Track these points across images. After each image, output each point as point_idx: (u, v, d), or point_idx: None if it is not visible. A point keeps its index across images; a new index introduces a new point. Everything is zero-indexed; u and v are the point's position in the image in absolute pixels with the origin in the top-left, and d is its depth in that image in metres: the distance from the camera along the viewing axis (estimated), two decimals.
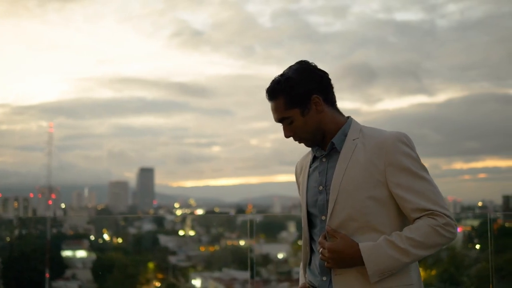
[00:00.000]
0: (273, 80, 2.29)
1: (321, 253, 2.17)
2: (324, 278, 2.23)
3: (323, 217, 2.24)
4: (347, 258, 2.11)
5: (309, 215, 2.35)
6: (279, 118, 2.28)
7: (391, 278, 2.12)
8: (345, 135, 2.26)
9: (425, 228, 2.08)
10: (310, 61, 2.31)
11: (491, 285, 5.92)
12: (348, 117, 2.33)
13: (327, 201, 2.22)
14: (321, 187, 2.27)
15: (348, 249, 2.10)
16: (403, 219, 2.20)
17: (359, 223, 2.15)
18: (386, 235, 2.12)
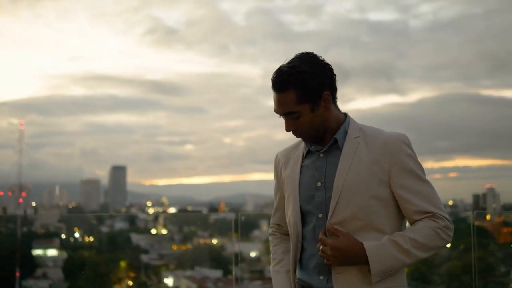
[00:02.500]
0: (281, 71, 2.17)
1: (322, 250, 2.11)
2: (322, 277, 2.19)
3: (320, 215, 2.20)
4: (350, 256, 2.08)
5: (300, 211, 2.28)
6: (286, 112, 2.18)
7: (390, 278, 2.13)
8: (346, 133, 2.22)
9: (427, 230, 2.10)
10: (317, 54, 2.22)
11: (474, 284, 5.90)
12: (345, 113, 2.29)
13: (327, 198, 2.18)
14: (319, 184, 2.21)
15: (352, 247, 2.08)
16: (402, 220, 2.21)
17: (362, 222, 2.13)
18: (388, 234, 2.12)
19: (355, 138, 2.20)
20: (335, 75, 2.21)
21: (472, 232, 6.00)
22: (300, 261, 2.29)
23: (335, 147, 2.22)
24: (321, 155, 2.23)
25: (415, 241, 2.08)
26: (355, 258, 2.07)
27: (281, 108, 2.18)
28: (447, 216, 2.14)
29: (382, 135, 2.20)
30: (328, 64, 2.20)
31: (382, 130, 2.24)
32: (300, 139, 2.32)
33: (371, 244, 2.08)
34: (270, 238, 2.51)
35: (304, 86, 2.13)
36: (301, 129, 2.19)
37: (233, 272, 7.39)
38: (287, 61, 2.19)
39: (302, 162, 2.30)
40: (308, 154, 2.30)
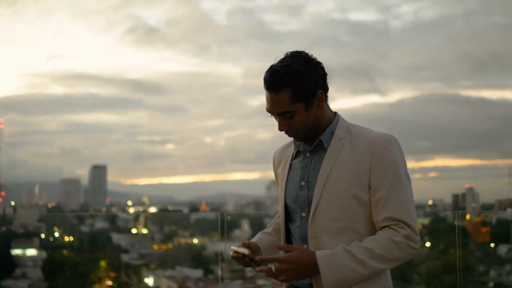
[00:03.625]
0: (275, 70, 2.13)
1: (275, 270, 2.01)
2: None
3: (304, 214, 2.19)
4: (304, 267, 2.01)
5: (287, 209, 2.28)
6: (281, 111, 2.13)
7: (372, 279, 2.08)
8: (332, 133, 2.20)
9: (386, 241, 2.03)
10: (308, 53, 2.19)
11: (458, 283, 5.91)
12: (335, 112, 2.27)
13: (309, 198, 2.16)
14: (303, 183, 2.20)
15: (306, 256, 2.02)
16: None
17: (342, 224, 2.09)
18: (367, 237, 2.08)
19: (341, 139, 2.17)
20: (326, 73, 2.20)
21: (456, 231, 5.97)
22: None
23: (321, 147, 2.20)
24: (308, 155, 2.23)
25: (371, 251, 2.01)
26: (309, 267, 2.01)
27: (275, 108, 2.14)
28: (414, 226, 2.07)
29: (368, 135, 2.16)
30: (320, 63, 2.18)
31: (371, 130, 2.20)
32: (291, 140, 2.34)
33: (323, 253, 2.02)
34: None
35: (299, 85, 2.10)
36: (294, 128, 2.16)
37: (219, 272, 7.39)
38: (278, 60, 2.16)
39: (291, 161, 2.31)
40: (297, 153, 2.31)
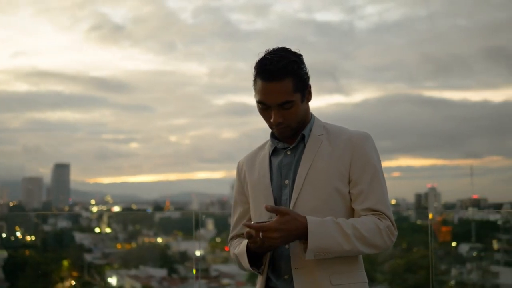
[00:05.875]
0: (274, 59, 2.07)
1: (265, 236, 1.95)
2: (286, 277, 2.13)
3: None
4: (294, 235, 1.98)
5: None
6: (282, 101, 2.08)
7: (349, 275, 2.10)
8: (310, 130, 2.21)
9: (371, 225, 2.04)
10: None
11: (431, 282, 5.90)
12: (311, 112, 2.28)
13: (291, 195, 2.14)
14: (287, 181, 2.18)
15: (297, 223, 1.97)
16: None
17: (322, 216, 2.05)
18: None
19: (318, 136, 2.20)
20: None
21: (429, 231, 5.93)
22: (271, 263, 2.20)
23: (301, 144, 2.20)
24: (289, 153, 2.21)
25: (357, 230, 2.01)
26: (298, 234, 1.98)
27: (277, 97, 2.08)
28: (393, 220, 2.11)
29: (346, 132, 2.20)
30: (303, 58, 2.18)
31: (346, 128, 2.24)
32: (262, 143, 2.34)
33: (314, 219, 2.00)
34: (230, 247, 2.35)
35: (298, 75, 2.11)
36: (288, 121, 2.13)
37: (194, 271, 7.31)
38: (268, 53, 2.13)
39: (270, 161, 2.25)
40: (274, 152, 2.26)
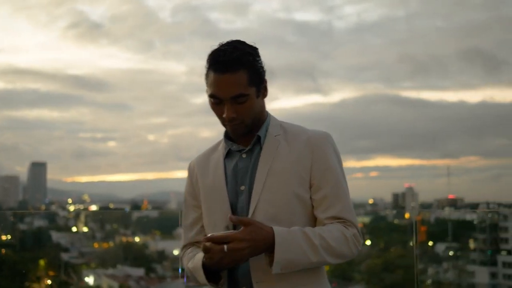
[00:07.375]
0: (228, 50, 1.92)
1: (230, 248, 1.77)
2: None
3: None
4: (260, 246, 1.81)
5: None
6: (236, 94, 1.91)
7: (312, 286, 1.97)
8: (267, 130, 2.05)
9: (338, 233, 1.91)
10: None
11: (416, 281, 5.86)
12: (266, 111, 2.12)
13: (249, 202, 1.97)
14: (243, 187, 2.01)
15: (263, 233, 1.81)
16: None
17: (283, 224, 1.90)
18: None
19: (275, 136, 2.04)
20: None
21: (414, 230, 5.77)
22: (229, 276, 2.01)
23: (257, 146, 2.04)
24: (244, 156, 2.05)
25: (324, 240, 1.87)
26: (265, 245, 1.82)
27: (230, 90, 1.91)
28: (358, 227, 1.98)
29: (304, 133, 2.04)
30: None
31: (304, 128, 2.08)
32: (215, 143, 2.17)
33: (281, 230, 1.84)
34: (184, 258, 2.14)
35: (253, 67, 1.95)
36: (242, 116, 1.95)
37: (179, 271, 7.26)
38: (222, 44, 1.98)
39: (224, 164, 2.08)
40: (228, 154, 2.09)
